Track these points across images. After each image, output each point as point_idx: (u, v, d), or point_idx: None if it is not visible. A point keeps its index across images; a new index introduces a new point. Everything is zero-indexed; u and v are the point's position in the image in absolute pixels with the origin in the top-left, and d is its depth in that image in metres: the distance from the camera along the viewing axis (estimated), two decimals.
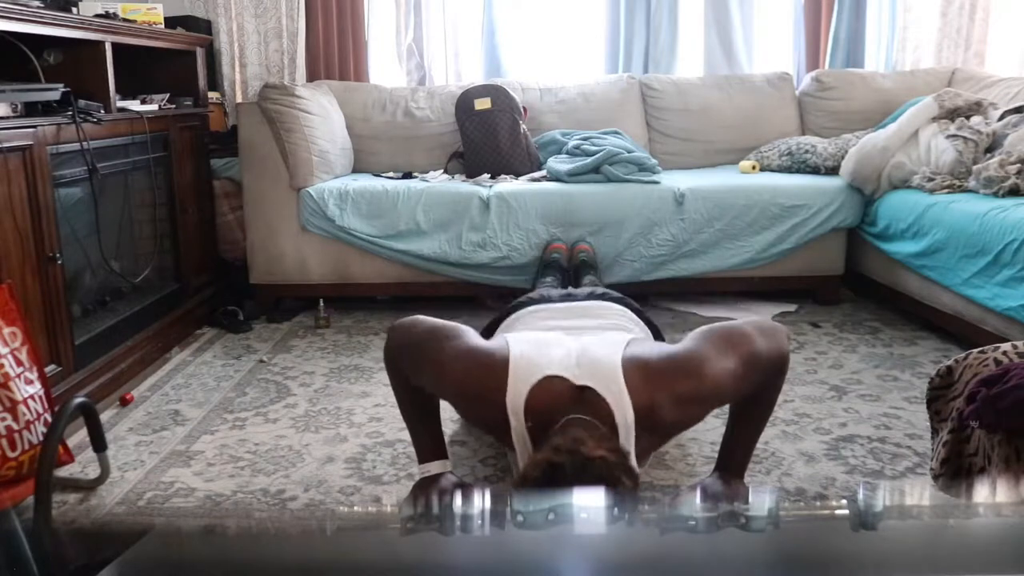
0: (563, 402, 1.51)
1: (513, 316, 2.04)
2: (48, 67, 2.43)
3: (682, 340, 1.65)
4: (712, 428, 2.16)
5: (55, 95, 2.27)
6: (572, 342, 1.65)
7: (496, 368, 1.56)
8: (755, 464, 2.02)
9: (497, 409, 1.54)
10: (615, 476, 1.35)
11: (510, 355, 1.58)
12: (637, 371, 1.55)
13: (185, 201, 3.13)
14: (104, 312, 2.66)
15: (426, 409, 1.80)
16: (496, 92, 3.52)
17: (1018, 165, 2.71)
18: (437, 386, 1.68)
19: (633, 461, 1.46)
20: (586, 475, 1.32)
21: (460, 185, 3.32)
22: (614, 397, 1.51)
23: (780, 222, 3.22)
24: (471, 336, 1.68)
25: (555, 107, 3.79)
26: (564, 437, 1.41)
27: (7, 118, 2.11)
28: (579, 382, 1.53)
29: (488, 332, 2.03)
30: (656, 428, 1.57)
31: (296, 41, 3.92)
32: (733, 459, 1.80)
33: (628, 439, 1.51)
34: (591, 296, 2.07)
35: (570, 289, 2.33)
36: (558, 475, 1.33)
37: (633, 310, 2.05)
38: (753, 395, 1.67)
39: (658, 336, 2.07)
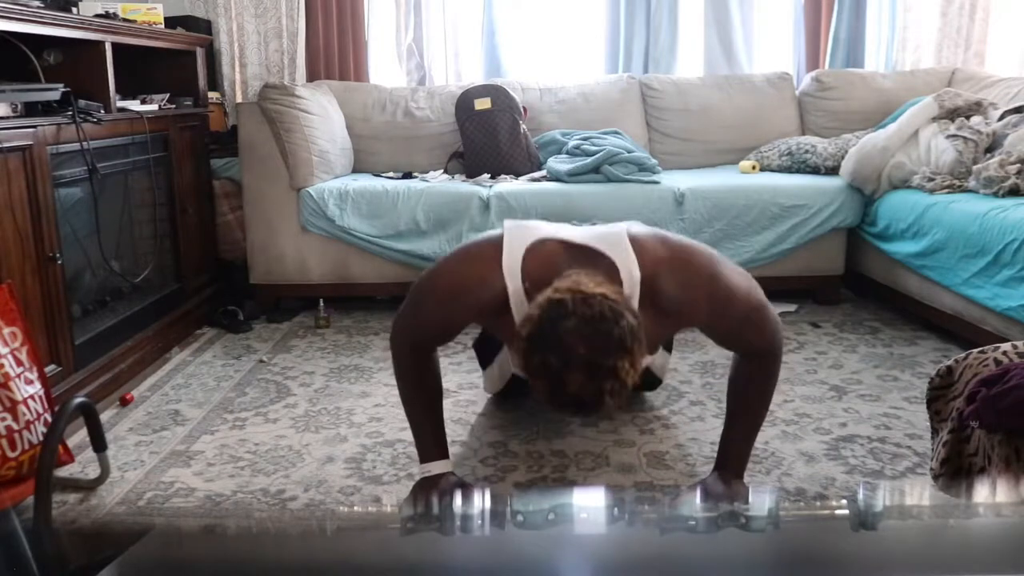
0: (562, 259, 1.46)
1: None
2: (48, 67, 2.43)
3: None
4: (712, 428, 2.16)
5: (55, 95, 2.27)
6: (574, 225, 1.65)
7: (491, 239, 1.57)
8: (755, 464, 2.02)
9: (494, 277, 1.51)
10: (617, 311, 1.31)
11: (504, 229, 1.57)
12: (647, 239, 1.53)
13: (185, 201, 3.13)
14: (104, 312, 2.66)
15: (430, 407, 1.81)
16: (496, 92, 3.52)
17: (1018, 165, 2.71)
18: (435, 286, 1.63)
19: (635, 308, 1.39)
20: (588, 309, 1.28)
21: (460, 185, 3.32)
22: (618, 256, 1.47)
23: (780, 222, 3.22)
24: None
25: (555, 107, 3.79)
26: (563, 280, 1.37)
27: (7, 118, 2.11)
28: (580, 241, 1.50)
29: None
30: (658, 305, 1.50)
31: (296, 41, 3.92)
32: (732, 458, 1.80)
33: (632, 300, 1.43)
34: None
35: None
36: (560, 312, 1.29)
37: None
38: (744, 384, 1.68)
39: None
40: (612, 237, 1.52)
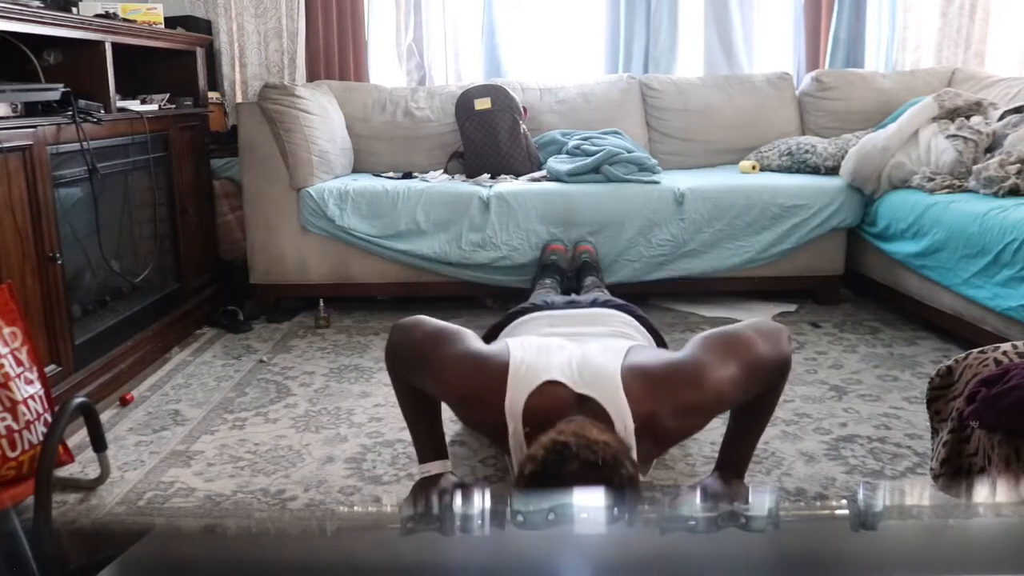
0: (562, 407, 1.51)
1: (516, 322, 2.04)
2: (48, 67, 2.43)
3: (684, 347, 1.65)
4: (712, 428, 2.15)
5: (55, 95, 2.27)
6: (574, 348, 1.65)
7: (496, 372, 1.57)
8: (755, 464, 2.02)
9: (495, 412, 1.55)
10: (619, 459, 1.34)
11: (510, 360, 1.58)
12: (637, 380, 1.55)
13: (185, 201, 3.13)
14: (104, 312, 2.66)
15: (427, 409, 1.80)
16: (496, 92, 3.52)
17: (1018, 165, 2.71)
18: (436, 389, 1.69)
19: (634, 456, 1.46)
20: (591, 454, 1.32)
21: (460, 185, 3.32)
22: (613, 406, 1.51)
23: (780, 222, 3.22)
24: (471, 340, 1.68)
25: (555, 107, 3.79)
26: (567, 424, 1.41)
27: (7, 118, 2.11)
28: (578, 390, 1.53)
29: (489, 338, 2.03)
30: (657, 436, 1.56)
31: (296, 41, 3.92)
32: (734, 459, 1.80)
33: (631, 448, 1.49)
34: (594, 304, 2.07)
35: (573, 296, 2.33)
36: (563, 454, 1.33)
37: (636, 317, 2.04)
38: (755, 398, 1.67)
39: (661, 343, 2.06)
40: (607, 381, 1.54)
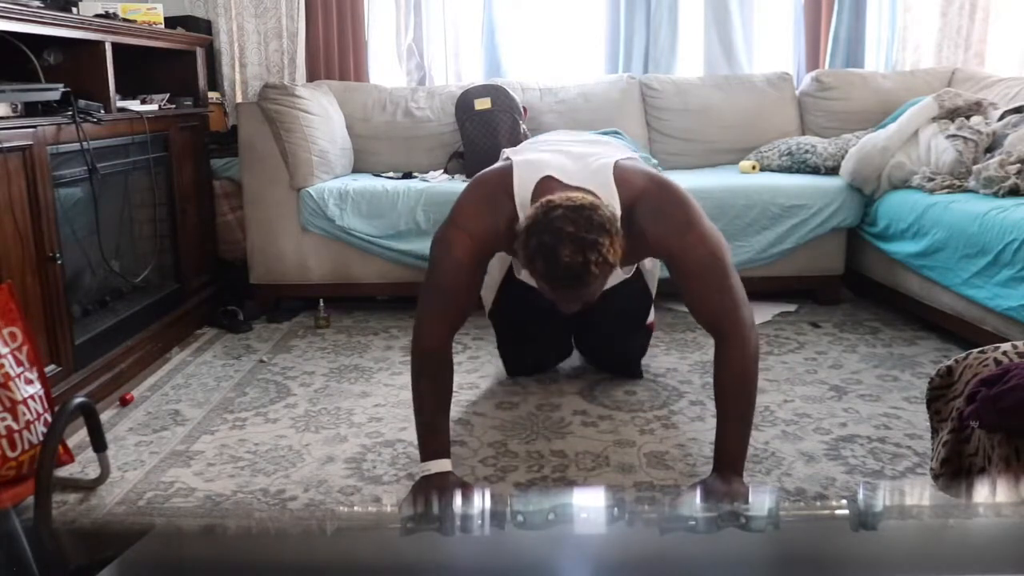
0: (563, 189, 1.74)
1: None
2: (48, 67, 2.43)
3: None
4: (712, 428, 2.15)
5: (55, 95, 2.27)
6: (573, 148, 1.92)
7: (503, 174, 1.84)
8: (755, 464, 2.02)
9: (509, 205, 1.80)
10: (597, 204, 1.62)
11: (513, 163, 1.86)
12: (629, 174, 1.80)
13: (185, 201, 3.13)
14: (104, 312, 2.66)
15: (441, 406, 1.85)
16: (496, 92, 3.52)
17: (1018, 165, 2.71)
18: (457, 221, 1.84)
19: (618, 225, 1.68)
20: (573, 203, 1.60)
21: (460, 185, 3.30)
22: (604, 193, 1.75)
23: (780, 222, 3.22)
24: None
25: (555, 107, 3.79)
26: (556, 196, 1.67)
27: (7, 118, 2.11)
28: (573, 182, 1.77)
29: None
30: (631, 230, 1.76)
31: (296, 41, 3.92)
32: (728, 457, 1.80)
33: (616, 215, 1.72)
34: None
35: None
36: (551, 206, 1.62)
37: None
38: (723, 371, 1.78)
39: None
40: (600, 175, 1.81)
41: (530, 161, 1.86)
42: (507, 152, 2.07)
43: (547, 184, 1.78)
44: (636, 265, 2.15)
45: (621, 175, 1.81)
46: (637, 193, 1.79)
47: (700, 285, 1.80)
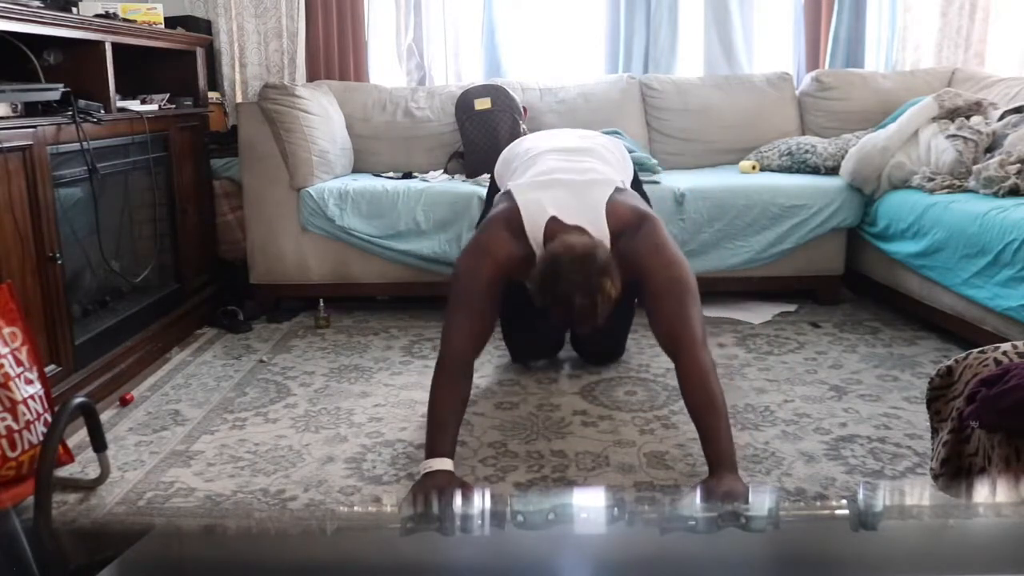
0: (566, 230, 1.98)
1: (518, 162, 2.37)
2: (48, 67, 2.43)
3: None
4: None
5: (55, 95, 2.27)
6: (569, 175, 2.13)
7: (513, 216, 2.05)
8: (755, 464, 2.02)
9: (525, 240, 2.03)
10: (595, 247, 1.90)
11: (518, 204, 2.06)
12: (619, 209, 2.05)
13: (185, 201, 3.13)
14: (104, 312, 2.66)
15: (456, 410, 1.91)
16: (496, 92, 3.52)
17: (1018, 165, 2.71)
18: (482, 246, 2.04)
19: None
20: (576, 253, 1.87)
21: (460, 185, 3.32)
22: (597, 231, 2.01)
23: (780, 222, 3.22)
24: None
25: (555, 107, 3.79)
26: (557, 239, 1.95)
27: (7, 118, 2.11)
28: (572, 221, 2.01)
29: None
30: (616, 253, 1.98)
31: (296, 41, 3.92)
32: (718, 457, 1.81)
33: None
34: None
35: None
36: (558, 252, 1.89)
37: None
38: (687, 383, 1.88)
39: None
40: (593, 212, 2.04)
41: (532, 202, 2.06)
42: (508, 185, 2.20)
43: (552, 226, 2.02)
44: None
45: (612, 209, 2.04)
46: (623, 225, 2.03)
47: (661, 303, 1.96)
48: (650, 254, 1.99)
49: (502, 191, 2.21)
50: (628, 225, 2.03)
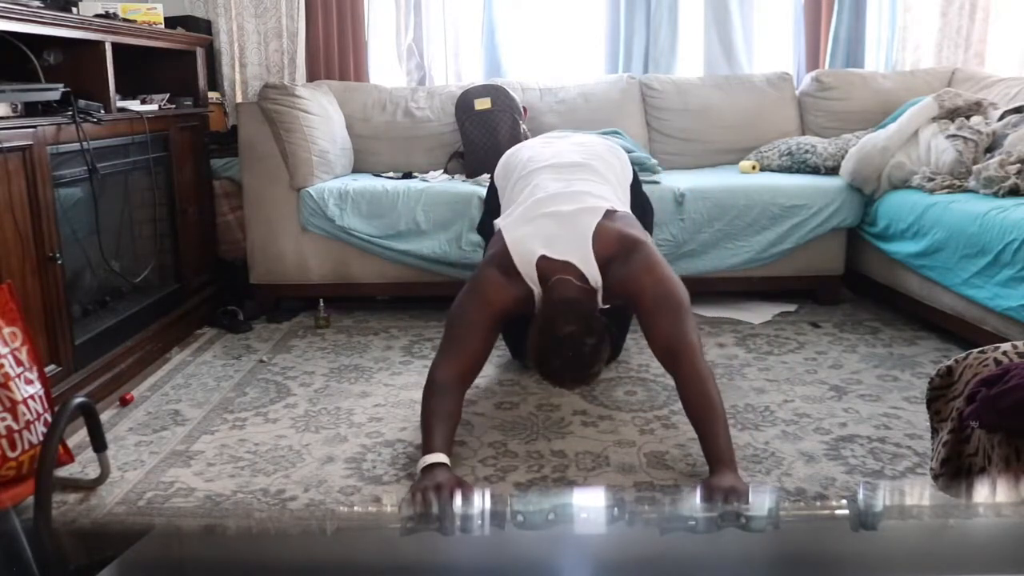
0: (556, 269, 2.05)
1: (514, 187, 2.40)
2: (48, 67, 2.43)
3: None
4: None
5: (55, 95, 2.27)
6: (557, 209, 2.15)
7: (504, 257, 2.09)
8: (755, 464, 2.02)
9: (520, 279, 2.07)
10: (588, 334, 1.93)
11: (507, 244, 2.10)
12: (607, 236, 2.08)
13: (185, 201, 3.13)
14: (104, 312, 2.66)
15: (449, 414, 1.95)
16: (496, 92, 3.52)
17: (1018, 165, 2.71)
18: (479, 289, 2.07)
19: (599, 296, 2.07)
20: (573, 351, 1.92)
21: (460, 185, 3.32)
22: (587, 269, 2.05)
23: (780, 222, 3.22)
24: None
25: (555, 107, 3.79)
26: (550, 293, 2.03)
27: (7, 118, 2.11)
28: (560, 257, 2.06)
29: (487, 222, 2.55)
30: (606, 280, 2.06)
31: (296, 41, 3.92)
32: (717, 455, 1.84)
33: (596, 284, 2.06)
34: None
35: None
36: (554, 345, 1.93)
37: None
38: (685, 389, 1.94)
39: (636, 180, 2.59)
40: (581, 243, 2.07)
41: (519, 242, 2.10)
42: (499, 224, 2.26)
43: (543, 264, 2.07)
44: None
45: (600, 236, 2.08)
46: (611, 253, 2.07)
47: (656, 320, 2.00)
48: (641, 275, 2.03)
49: (495, 230, 2.23)
50: (618, 252, 2.07)
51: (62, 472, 1.98)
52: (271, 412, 2.40)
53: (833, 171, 3.37)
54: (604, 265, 2.07)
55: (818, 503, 1.70)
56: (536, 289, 2.07)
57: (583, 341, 1.93)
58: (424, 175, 3.51)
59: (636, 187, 2.54)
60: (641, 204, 2.56)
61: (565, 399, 2.44)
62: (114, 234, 2.74)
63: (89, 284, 2.64)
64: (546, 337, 1.95)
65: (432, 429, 1.90)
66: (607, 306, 2.13)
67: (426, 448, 1.87)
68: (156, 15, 3.07)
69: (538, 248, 2.07)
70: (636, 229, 2.17)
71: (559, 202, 2.18)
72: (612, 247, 2.08)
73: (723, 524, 0.72)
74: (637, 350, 2.80)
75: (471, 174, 3.47)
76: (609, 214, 2.14)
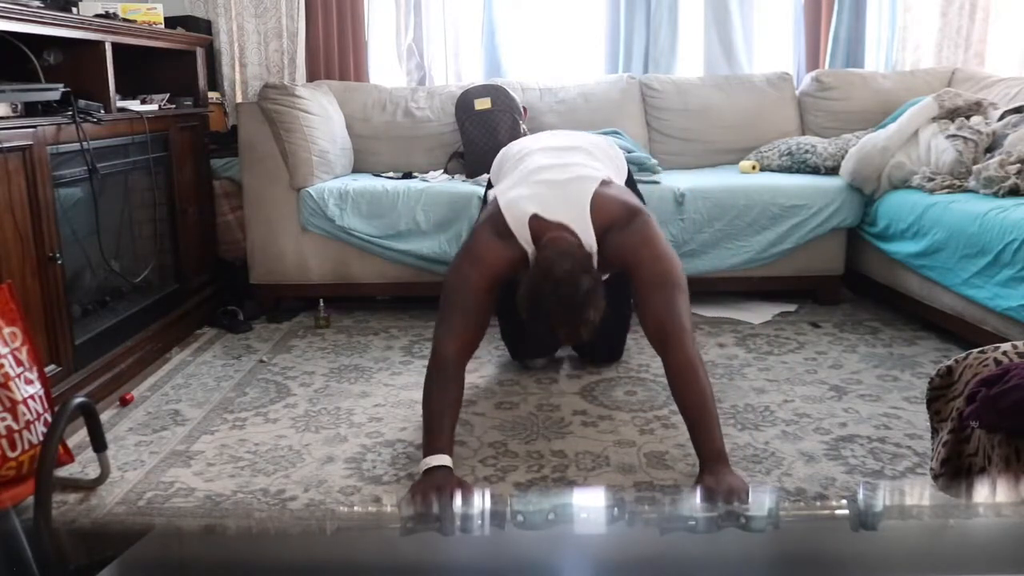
0: (549, 228, 2.01)
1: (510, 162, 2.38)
2: (48, 67, 2.43)
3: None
4: None
5: (55, 95, 2.27)
6: (553, 173, 2.13)
7: (497, 218, 2.05)
8: (755, 464, 2.02)
9: (514, 240, 2.03)
10: (580, 274, 1.88)
11: (500, 206, 2.06)
12: (605, 202, 2.05)
13: (185, 201, 3.13)
14: (104, 312, 2.66)
15: (449, 406, 1.92)
16: (496, 92, 3.52)
17: (1018, 165, 2.71)
18: (473, 252, 2.04)
19: (595, 261, 1.99)
20: (565, 291, 1.86)
21: (460, 185, 3.32)
22: (583, 231, 2.02)
23: (780, 222, 3.22)
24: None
25: (555, 107, 3.79)
26: (543, 250, 1.97)
27: (7, 118, 2.11)
28: (554, 217, 2.01)
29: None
30: (604, 250, 2.02)
31: (296, 41, 3.92)
32: (710, 449, 1.83)
33: (591, 250, 2.01)
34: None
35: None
36: (544, 289, 1.88)
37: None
38: (676, 378, 1.90)
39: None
40: (577, 208, 2.03)
41: (513, 201, 2.06)
42: (492, 193, 2.23)
43: (535, 223, 2.02)
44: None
45: (598, 203, 2.04)
46: (610, 221, 2.03)
47: (649, 295, 1.97)
48: (640, 247, 1.99)
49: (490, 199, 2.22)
50: (616, 219, 2.03)
51: (62, 472, 1.98)
52: (271, 412, 2.40)
53: (833, 171, 3.37)
54: (602, 234, 2.03)
55: (818, 503, 1.70)
56: (530, 249, 2.03)
57: (578, 282, 1.86)
58: (424, 175, 3.51)
59: (632, 187, 2.54)
60: None
61: (565, 399, 2.44)
62: (114, 234, 2.74)
63: (89, 284, 2.63)
64: (539, 278, 1.90)
65: (435, 423, 1.88)
66: (605, 275, 2.10)
67: (428, 447, 1.85)
68: (156, 15, 3.07)
69: (531, 208, 2.03)
70: (635, 199, 2.13)
71: (553, 172, 2.15)
72: (611, 215, 2.04)
73: (723, 524, 0.72)
74: (637, 350, 2.80)
75: (471, 174, 3.47)
76: (606, 183, 2.11)
